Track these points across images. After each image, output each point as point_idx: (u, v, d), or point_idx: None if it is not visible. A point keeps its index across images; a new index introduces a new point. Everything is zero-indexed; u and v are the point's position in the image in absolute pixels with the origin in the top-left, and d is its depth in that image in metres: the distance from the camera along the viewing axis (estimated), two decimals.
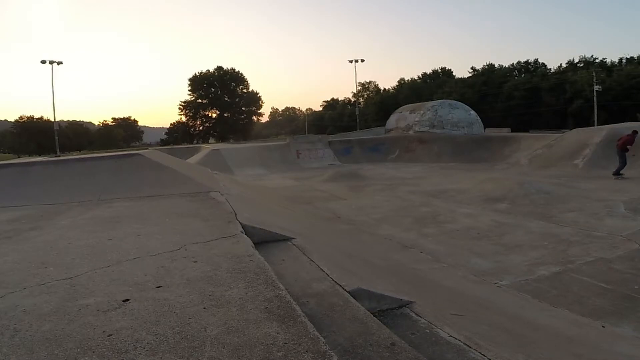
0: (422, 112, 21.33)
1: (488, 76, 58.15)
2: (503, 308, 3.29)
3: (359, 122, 46.28)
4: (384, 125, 24.92)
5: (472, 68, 63.38)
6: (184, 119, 66.54)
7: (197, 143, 49.11)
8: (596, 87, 44.52)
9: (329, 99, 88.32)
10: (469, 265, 4.46)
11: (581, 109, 46.87)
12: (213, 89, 65.65)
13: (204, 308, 1.88)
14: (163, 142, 61.97)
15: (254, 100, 68.57)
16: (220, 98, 65.14)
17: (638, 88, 43.83)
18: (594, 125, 33.21)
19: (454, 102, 23.10)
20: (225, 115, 65.19)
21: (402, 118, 22.57)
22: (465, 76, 63.43)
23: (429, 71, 72.91)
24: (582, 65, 54.85)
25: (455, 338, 1.96)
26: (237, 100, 66.70)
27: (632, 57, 52.92)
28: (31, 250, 3.03)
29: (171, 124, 69.63)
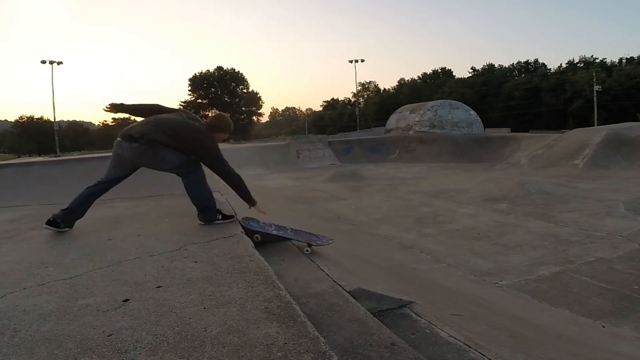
0: (422, 112, 21.32)
1: (488, 76, 58.20)
2: (503, 308, 3.29)
3: (359, 122, 46.36)
4: (384, 125, 24.92)
5: (472, 68, 63.49)
6: None
7: None
8: (596, 87, 44.57)
9: (329, 99, 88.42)
10: (469, 265, 4.46)
11: (581, 109, 46.90)
12: (213, 89, 65.71)
13: (204, 308, 1.88)
14: None
15: (254, 100, 68.60)
16: (220, 98, 65.19)
17: (638, 88, 43.88)
18: (594, 125, 33.23)
19: (454, 102, 23.09)
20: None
21: (402, 118, 22.57)
22: (465, 76, 63.51)
23: (429, 71, 73.04)
24: (582, 65, 54.90)
25: (455, 338, 1.96)
26: (237, 100, 66.74)
27: (632, 57, 53.01)
28: (31, 250, 3.03)
29: None
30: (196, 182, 3.50)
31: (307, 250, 3.05)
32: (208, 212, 3.52)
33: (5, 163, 7.68)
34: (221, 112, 4.01)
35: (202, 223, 3.52)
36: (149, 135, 3.30)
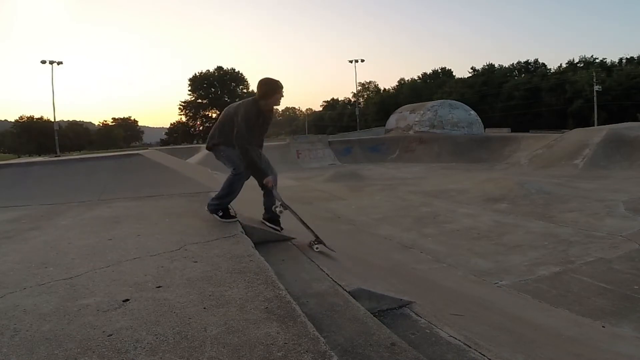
0: (422, 112, 21.32)
1: (488, 76, 58.14)
2: (503, 308, 3.29)
3: (359, 122, 46.32)
4: (384, 125, 24.91)
5: (472, 68, 63.41)
6: (184, 119, 66.55)
7: (197, 143, 49.09)
8: (596, 87, 44.53)
9: (329, 99, 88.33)
10: (469, 265, 4.46)
11: (581, 109, 46.87)
12: (213, 89, 65.66)
13: (204, 308, 1.88)
14: (163, 142, 61.96)
15: None
16: (220, 98, 65.11)
17: (638, 88, 43.85)
18: (594, 125, 33.23)
19: (454, 102, 23.08)
20: None
21: (402, 118, 22.56)
22: (465, 76, 63.44)
23: (429, 71, 72.92)
24: (582, 65, 54.85)
25: (455, 338, 1.96)
26: (237, 100, 66.62)
27: (632, 57, 52.97)
28: (31, 250, 3.03)
29: (171, 124, 69.64)
30: (234, 177, 3.62)
31: (316, 248, 3.21)
32: (217, 202, 3.65)
33: (5, 163, 7.68)
34: (266, 77, 3.64)
35: (207, 208, 3.72)
36: (209, 142, 3.80)
